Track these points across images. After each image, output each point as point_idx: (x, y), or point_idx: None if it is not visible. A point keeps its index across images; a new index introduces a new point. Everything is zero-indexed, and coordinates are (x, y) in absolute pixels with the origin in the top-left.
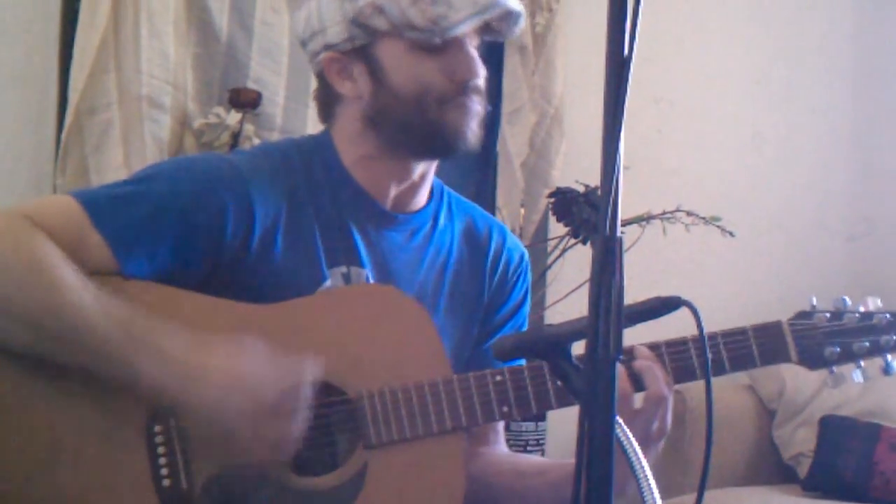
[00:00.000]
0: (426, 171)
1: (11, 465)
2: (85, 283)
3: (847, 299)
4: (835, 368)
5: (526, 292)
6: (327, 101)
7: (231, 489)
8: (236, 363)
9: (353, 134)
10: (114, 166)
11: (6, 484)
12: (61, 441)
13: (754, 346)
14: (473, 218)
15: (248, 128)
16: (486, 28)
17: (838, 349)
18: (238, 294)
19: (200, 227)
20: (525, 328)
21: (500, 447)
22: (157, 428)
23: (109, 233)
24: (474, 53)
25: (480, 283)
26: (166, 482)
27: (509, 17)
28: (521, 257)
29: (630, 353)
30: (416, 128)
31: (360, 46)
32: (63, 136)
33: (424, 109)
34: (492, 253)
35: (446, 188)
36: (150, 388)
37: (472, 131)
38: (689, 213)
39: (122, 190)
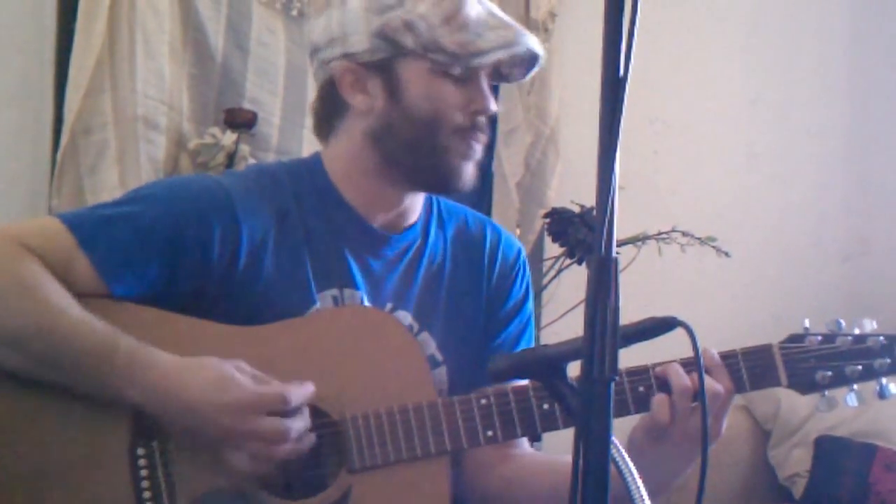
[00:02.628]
0: (413, 201)
1: None
2: (70, 301)
3: (842, 321)
4: (827, 392)
5: (527, 288)
6: (329, 114)
7: None
8: (224, 376)
9: (352, 150)
10: (109, 187)
11: None
12: (46, 464)
13: (744, 371)
14: (466, 220)
15: (244, 148)
16: (496, 72)
17: (830, 373)
18: (227, 317)
19: (187, 249)
20: (531, 327)
21: (525, 447)
22: (141, 451)
23: (96, 255)
24: (489, 89)
25: (478, 284)
26: None
27: (527, 59)
28: (519, 253)
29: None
30: (420, 150)
31: (380, 60)
32: (58, 156)
33: (434, 133)
34: (487, 250)
35: (434, 196)
36: (137, 400)
37: (468, 174)
38: (684, 234)
39: (108, 212)
